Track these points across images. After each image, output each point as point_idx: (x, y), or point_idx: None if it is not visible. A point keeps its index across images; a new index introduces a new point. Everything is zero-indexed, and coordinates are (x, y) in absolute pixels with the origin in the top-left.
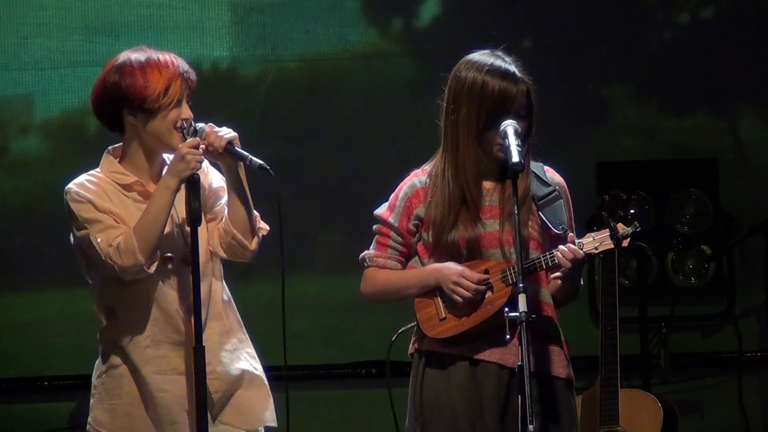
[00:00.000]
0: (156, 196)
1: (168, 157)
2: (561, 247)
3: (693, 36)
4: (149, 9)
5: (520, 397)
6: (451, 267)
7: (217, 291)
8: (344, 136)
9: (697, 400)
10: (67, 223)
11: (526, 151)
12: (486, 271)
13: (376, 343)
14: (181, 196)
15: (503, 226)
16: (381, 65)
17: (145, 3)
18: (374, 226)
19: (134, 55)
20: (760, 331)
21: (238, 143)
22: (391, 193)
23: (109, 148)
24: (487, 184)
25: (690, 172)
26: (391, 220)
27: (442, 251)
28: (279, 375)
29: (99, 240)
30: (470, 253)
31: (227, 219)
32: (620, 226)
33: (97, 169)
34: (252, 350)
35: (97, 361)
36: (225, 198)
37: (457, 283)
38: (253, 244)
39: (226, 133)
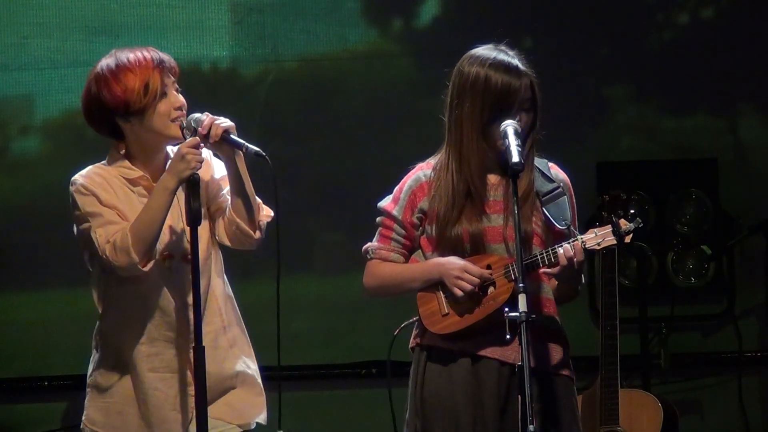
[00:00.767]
0: (155, 196)
1: (172, 149)
2: (564, 245)
3: (693, 36)
4: (149, 9)
5: (520, 397)
6: (454, 261)
7: (217, 287)
8: (344, 136)
9: (697, 400)
10: (71, 214)
11: (531, 145)
12: (489, 266)
13: (376, 343)
14: (182, 194)
15: (507, 221)
16: (381, 65)
17: (145, 3)
18: (378, 218)
19: (106, 62)
20: (760, 331)
21: (235, 132)
22: (391, 192)
23: (114, 141)
24: (492, 178)
25: (690, 172)
26: (394, 212)
27: (446, 245)
28: (278, 375)
29: (98, 235)
30: (474, 247)
31: (230, 208)
32: (623, 222)
33: (104, 162)
34: (249, 348)
35: (91, 358)
36: (228, 188)
37: (459, 278)
38: (257, 233)
39: (223, 121)
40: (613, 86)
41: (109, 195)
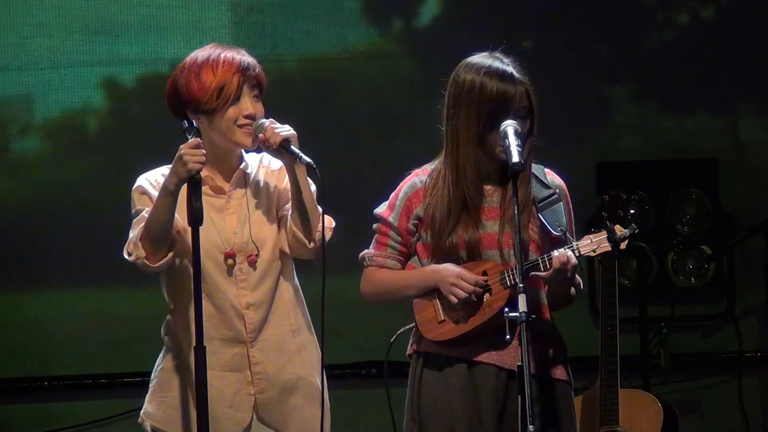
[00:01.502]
0: (158, 197)
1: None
2: (556, 251)
3: (693, 36)
4: (149, 9)
5: (519, 397)
6: (449, 268)
7: (285, 291)
8: (344, 137)
9: (697, 400)
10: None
11: (528, 152)
12: (484, 273)
13: (376, 343)
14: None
15: (503, 227)
16: (381, 65)
17: (145, 3)
18: (374, 225)
19: (198, 54)
20: (760, 331)
21: (296, 141)
22: (391, 192)
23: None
24: (488, 188)
25: (690, 172)
26: (390, 219)
27: (441, 253)
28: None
29: (132, 232)
30: (469, 254)
31: (290, 216)
32: (618, 228)
33: None
34: (316, 355)
35: (159, 354)
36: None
37: (454, 285)
38: (311, 243)
39: (284, 130)
40: (613, 86)
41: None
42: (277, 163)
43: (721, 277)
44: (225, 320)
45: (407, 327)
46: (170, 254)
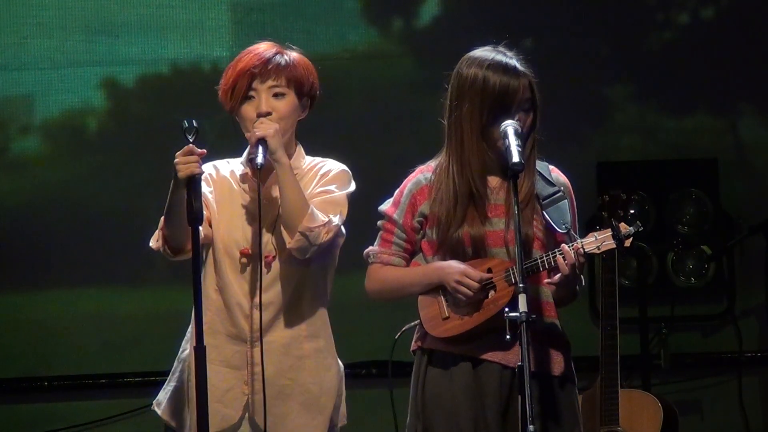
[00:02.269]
0: (169, 196)
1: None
2: (564, 246)
3: (693, 36)
4: (149, 9)
5: (520, 397)
6: (454, 265)
7: (307, 296)
8: (344, 136)
9: (697, 400)
10: None
11: (532, 146)
12: (489, 270)
13: (377, 343)
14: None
15: (508, 225)
16: (381, 65)
17: (145, 3)
18: (378, 222)
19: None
20: (760, 331)
21: (273, 141)
22: (391, 193)
23: None
24: (493, 181)
25: (690, 172)
26: (395, 216)
27: (447, 248)
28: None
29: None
30: (475, 251)
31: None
32: (623, 226)
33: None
34: (329, 361)
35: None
36: (320, 197)
37: (459, 282)
38: (293, 242)
39: (261, 129)
40: (613, 86)
41: (207, 187)
42: (325, 167)
43: (721, 277)
44: (231, 317)
45: (412, 324)
46: (188, 248)
